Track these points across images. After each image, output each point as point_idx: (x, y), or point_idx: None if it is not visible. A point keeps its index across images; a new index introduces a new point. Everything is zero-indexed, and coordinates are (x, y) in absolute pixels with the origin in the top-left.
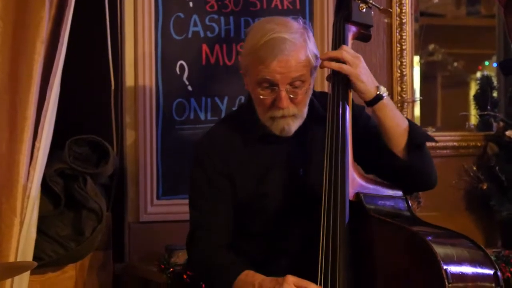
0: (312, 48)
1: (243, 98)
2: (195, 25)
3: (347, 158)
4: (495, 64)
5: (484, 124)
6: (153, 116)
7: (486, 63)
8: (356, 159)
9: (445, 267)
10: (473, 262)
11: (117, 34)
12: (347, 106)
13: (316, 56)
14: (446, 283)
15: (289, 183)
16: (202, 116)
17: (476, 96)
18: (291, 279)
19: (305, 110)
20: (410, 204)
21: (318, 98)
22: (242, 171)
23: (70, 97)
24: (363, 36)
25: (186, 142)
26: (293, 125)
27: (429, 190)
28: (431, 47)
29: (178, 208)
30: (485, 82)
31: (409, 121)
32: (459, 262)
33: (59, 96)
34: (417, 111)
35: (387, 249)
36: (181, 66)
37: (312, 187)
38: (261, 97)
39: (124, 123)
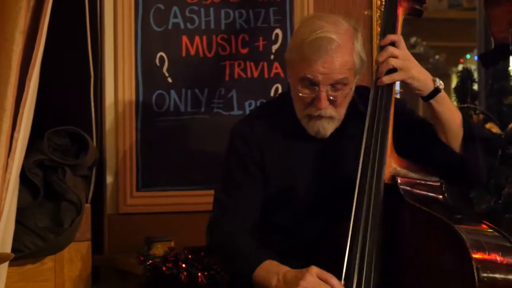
0: (359, 51)
1: (223, 90)
2: (175, 16)
3: (386, 138)
4: (477, 57)
5: (464, 116)
6: (132, 107)
7: (468, 56)
8: (401, 154)
9: (475, 257)
10: (504, 254)
11: (97, 25)
12: (391, 90)
13: (362, 60)
14: (475, 274)
15: (320, 179)
16: (182, 108)
17: (456, 89)
18: (314, 270)
19: (343, 112)
20: (445, 191)
21: (358, 92)
22: (275, 162)
23: (49, 88)
24: (416, 11)
25: (166, 134)
26: (329, 128)
27: (479, 185)
28: (413, 39)
29: (158, 200)
30: (465, 75)
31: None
32: (490, 253)
33: (38, 87)
34: None
35: (418, 235)
36: (161, 57)
37: (343, 185)
38: (300, 94)
39: (104, 114)
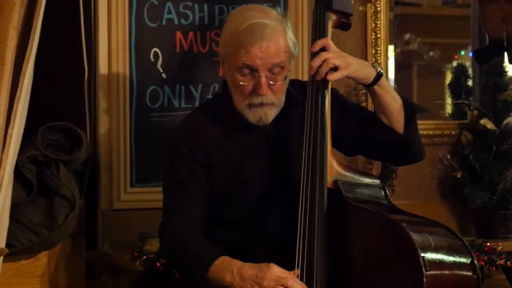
0: (291, 36)
1: (217, 86)
2: (169, 12)
3: (325, 145)
4: (471, 54)
5: (458, 112)
6: (126, 103)
7: (462, 52)
8: (339, 142)
9: (422, 254)
10: (450, 251)
11: (91, 21)
12: (326, 92)
13: (295, 44)
14: (424, 270)
15: (268, 170)
16: (176, 104)
17: (450, 85)
18: (275, 269)
19: (283, 99)
20: (387, 192)
21: (293, 85)
22: (220, 158)
23: (43, 84)
24: (343, 24)
25: (160, 130)
26: (270, 115)
27: (419, 161)
28: (407, 36)
29: (152, 195)
30: (460, 71)
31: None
32: (437, 250)
33: (32, 83)
34: None
35: (365, 236)
36: (155, 53)
37: (291, 173)
38: (241, 83)
39: (98, 110)
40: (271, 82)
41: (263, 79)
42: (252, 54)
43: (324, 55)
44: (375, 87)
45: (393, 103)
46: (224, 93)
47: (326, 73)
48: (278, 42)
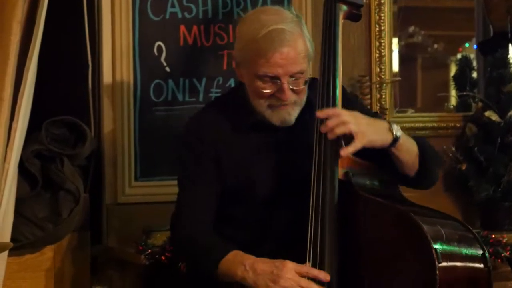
0: (307, 34)
1: (221, 79)
2: (173, 6)
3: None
4: (475, 46)
5: (463, 105)
6: (130, 97)
7: (467, 44)
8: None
9: (434, 246)
10: (462, 243)
11: (94, 15)
12: (338, 87)
13: (311, 43)
14: (436, 262)
15: (278, 170)
16: (180, 97)
17: (455, 77)
18: (291, 265)
19: (305, 98)
20: (397, 184)
21: (309, 84)
22: (230, 156)
23: (47, 78)
24: (354, 16)
25: (164, 124)
26: (294, 114)
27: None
28: (411, 29)
29: (156, 189)
30: (464, 63)
31: (417, 141)
32: (448, 242)
33: (36, 78)
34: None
35: (376, 227)
36: (159, 47)
37: (301, 173)
38: (263, 90)
39: (102, 104)
40: (294, 88)
41: (286, 86)
42: (273, 63)
43: (342, 115)
44: (392, 149)
45: (410, 158)
46: (239, 90)
47: (339, 138)
48: (297, 46)
